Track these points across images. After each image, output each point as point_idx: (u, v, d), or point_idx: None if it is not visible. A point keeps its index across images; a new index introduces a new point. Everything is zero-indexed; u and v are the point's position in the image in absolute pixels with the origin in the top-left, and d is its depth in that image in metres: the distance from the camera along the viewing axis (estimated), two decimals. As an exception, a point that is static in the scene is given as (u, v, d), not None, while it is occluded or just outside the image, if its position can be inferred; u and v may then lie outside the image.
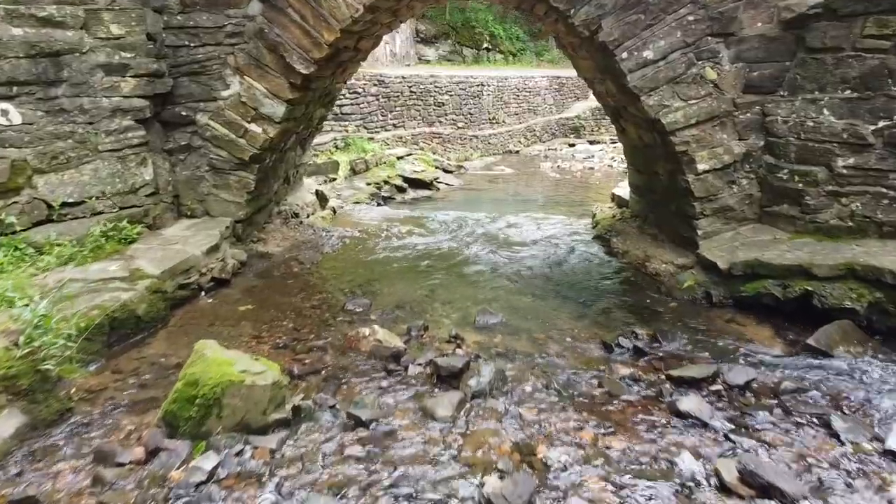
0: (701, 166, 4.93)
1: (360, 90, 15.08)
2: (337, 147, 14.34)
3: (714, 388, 3.22)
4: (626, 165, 6.92)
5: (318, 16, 5.04)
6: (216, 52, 5.28)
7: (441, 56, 26.73)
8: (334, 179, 13.86)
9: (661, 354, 3.71)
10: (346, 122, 14.75)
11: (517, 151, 20.16)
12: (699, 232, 5.01)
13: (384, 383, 3.28)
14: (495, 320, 4.24)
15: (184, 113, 5.37)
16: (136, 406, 3.03)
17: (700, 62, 4.87)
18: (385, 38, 24.55)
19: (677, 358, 3.65)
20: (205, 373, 2.72)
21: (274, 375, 2.80)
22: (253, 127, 5.34)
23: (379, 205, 13.33)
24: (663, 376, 3.37)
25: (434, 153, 16.88)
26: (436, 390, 3.18)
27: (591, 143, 22.72)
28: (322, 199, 7.63)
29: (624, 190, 7.13)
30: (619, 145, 22.79)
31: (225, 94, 5.33)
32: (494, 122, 19.80)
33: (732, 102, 4.90)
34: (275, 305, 4.50)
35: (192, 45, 5.27)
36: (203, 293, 4.68)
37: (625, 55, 4.90)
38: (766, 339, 3.92)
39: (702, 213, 5.00)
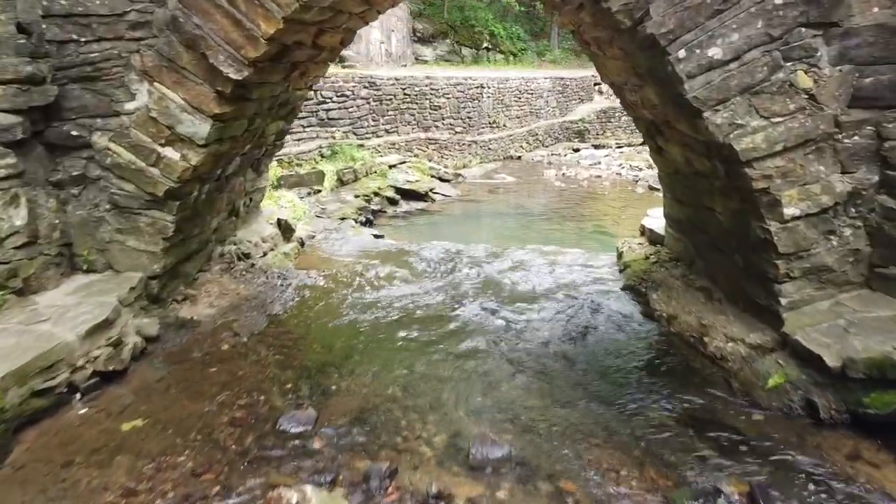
0: (788, 210, 3.43)
1: (348, 93, 13.56)
2: (322, 155, 12.84)
3: None
4: (660, 191, 5.42)
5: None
6: (116, 50, 3.77)
7: (439, 56, 25.18)
8: (319, 191, 12.35)
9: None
10: (334, 128, 13.24)
11: (519, 157, 18.64)
12: (783, 301, 3.51)
13: None
14: (500, 453, 2.74)
15: (75, 132, 3.86)
16: None
17: (789, 64, 3.36)
18: (380, 37, 23.02)
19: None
20: None
21: None
22: (168, 152, 3.83)
23: (368, 220, 11.85)
24: None
25: (430, 160, 15.37)
26: None
27: (597, 147, 21.21)
28: (286, 230, 6.12)
29: (656, 222, 5.62)
30: (626, 150, 21.25)
31: (130, 106, 3.83)
32: (494, 126, 18.28)
33: (834, 121, 3.39)
34: (177, 421, 3.00)
35: (82, 39, 3.76)
36: (79, 396, 3.18)
37: (682, 53, 3.40)
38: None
39: (787, 274, 3.50)
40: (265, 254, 5.45)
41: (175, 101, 3.74)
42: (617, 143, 21.84)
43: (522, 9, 29.56)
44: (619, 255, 5.52)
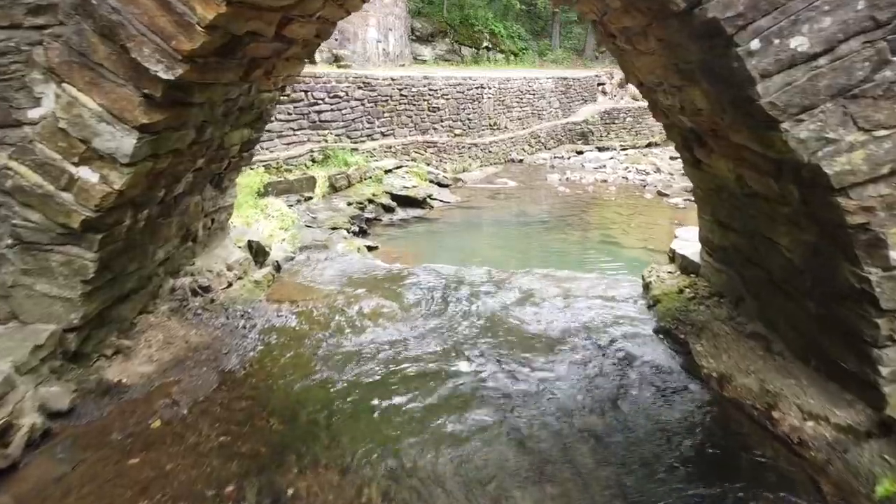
0: (895, 253, 2.55)
1: (342, 94, 12.66)
2: (314, 160, 11.94)
3: None
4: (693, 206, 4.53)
5: (185, -26, 2.66)
6: (13, 42, 2.88)
7: (438, 56, 24.27)
8: (310, 198, 11.46)
9: None
10: (326, 131, 12.34)
11: (521, 160, 17.75)
12: (884, 370, 2.63)
13: None
14: None
15: (-34, 147, 2.98)
16: None
17: (898, 58, 2.48)
18: (378, 36, 22.11)
19: None
20: None
21: None
22: (84, 172, 2.94)
23: (361, 230, 10.95)
24: None
25: (428, 164, 14.47)
26: None
27: (600, 149, 20.32)
28: (258, 253, 5.23)
29: (689, 246, 4.73)
30: (631, 153, 20.36)
31: (34, 114, 2.93)
32: (495, 128, 17.37)
33: (960, 134, 2.51)
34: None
35: (-31, 28, 2.88)
36: (-62, 511, 2.31)
37: (754, 44, 2.51)
38: None
39: (891, 336, 2.62)
40: (230, 284, 4.56)
41: (89, 108, 2.85)
42: (621, 145, 20.95)
43: (523, 7, 28.64)
44: (647, 286, 4.62)
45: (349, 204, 11.42)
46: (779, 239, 3.27)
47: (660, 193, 13.75)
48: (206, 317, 3.99)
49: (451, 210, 12.58)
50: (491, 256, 9.80)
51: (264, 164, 10.97)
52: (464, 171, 15.68)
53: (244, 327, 3.98)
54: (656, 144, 22.44)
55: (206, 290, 4.22)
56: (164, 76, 2.77)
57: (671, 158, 18.75)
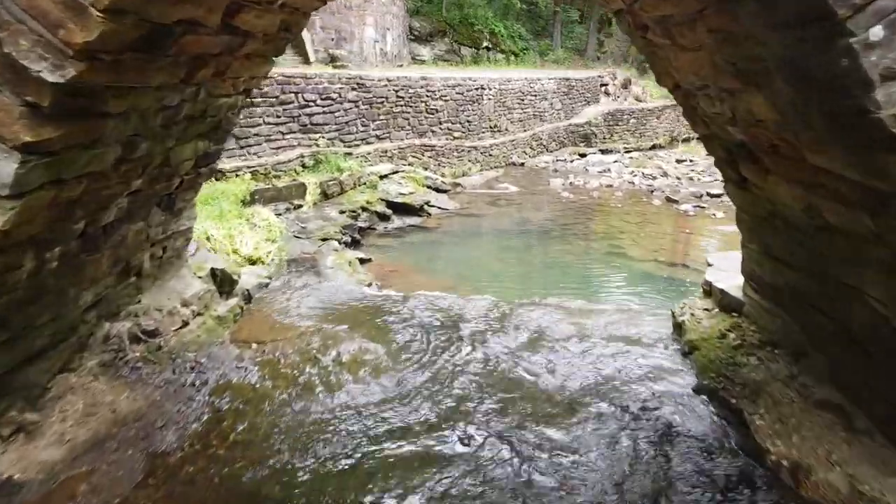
0: None
1: (334, 95, 11.88)
2: (304, 166, 11.17)
3: None
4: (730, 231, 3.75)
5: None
6: None
7: (437, 56, 23.48)
8: (300, 206, 10.69)
9: None
10: (317, 135, 11.56)
11: (522, 164, 16.97)
12: None
13: None
14: None
15: None
16: None
17: None
18: (375, 36, 21.29)
19: None
20: None
21: None
22: (-48, 207, 2.18)
23: (354, 240, 10.16)
24: None
25: (425, 169, 13.70)
26: None
27: (604, 152, 19.55)
28: (224, 282, 4.45)
29: (727, 278, 3.96)
30: (635, 156, 19.55)
31: None
32: (496, 130, 16.59)
33: None
34: None
35: None
36: None
37: (876, 33, 1.74)
38: None
39: None
40: (185, 324, 3.80)
41: (-48, 122, 2.08)
42: (625, 148, 20.18)
43: (524, 7, 27.83)
44: (679, 327, 3.85)
45: (341, 212, 10.65)
46: (865, 288, 2.51)
47: (668, 200, 12.98)
48: (147, 371, 3.22)
49: (450, 217, 11.81)
50: (492, 270, 9.05)
51: (251, 170, 10.20)
52: (463, 175, 14.91)
53: (193, 384, 3.21)
54: (660, 147, 21.67)
55: (152, 334, 3.45)
56: (50, 78, 2.01)
57: (677, 162, 17.99)
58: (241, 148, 10.31)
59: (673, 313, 3.97)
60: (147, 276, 3.68)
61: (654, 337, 3.87)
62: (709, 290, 4.00)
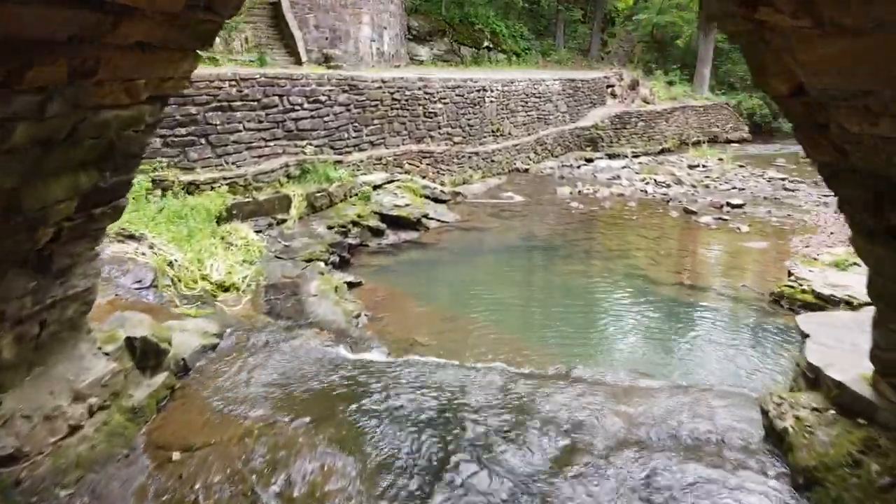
0: None
1: (323, 98, 10.70)
2: (289, 176, 9.99)
3: None
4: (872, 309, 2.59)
5: None
6: None
7: (436, 56, 22.29)
8: (283, 221, 9.52)
9: None
10: (304, 142, 10.39)
11: (526, 170, 15.79)
12: None
13: None
14: None
15: None
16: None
17: None
18: (371, 35, 20.05)
19: None
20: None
21: None
22: None
23: (343, 259, 8.99)
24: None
25: (423, 177, 12.53)
26: None
27: (611, 157, 18.39)
28: (147, 354, 3.26)
29: (841, 359, 2.79)
30: (644, 161, 18.32)
31: None
32: (498, 134, 15.41)
33: None
34: None
35: None
36: None
37: None
38: None
39: None
40: (73, 430, 2.63)
41: None
42: (633, 152, 19.01)
43: (525, 5, 26.64)
44: (777, 434, 2.67)
45: (330, 227, 9.48)
46: None
47: (686, 211, 11.81)
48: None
49: (450, 231, 10.64)
50: (496, 297, 7.88)
51: (229, 181, 9.02)
52: (464, 183, 13.74)
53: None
54: (669, 151, 20.50)
55: (8, 460, 2.28)
56: None
57: (690, 167, 16.82)
58: (219, 157, 9.14)
59: (764, 409, 2.79)
60: (9, 368, 2.50)
61: (739, 443, 2.71)
62: (814, 379, 2.82)
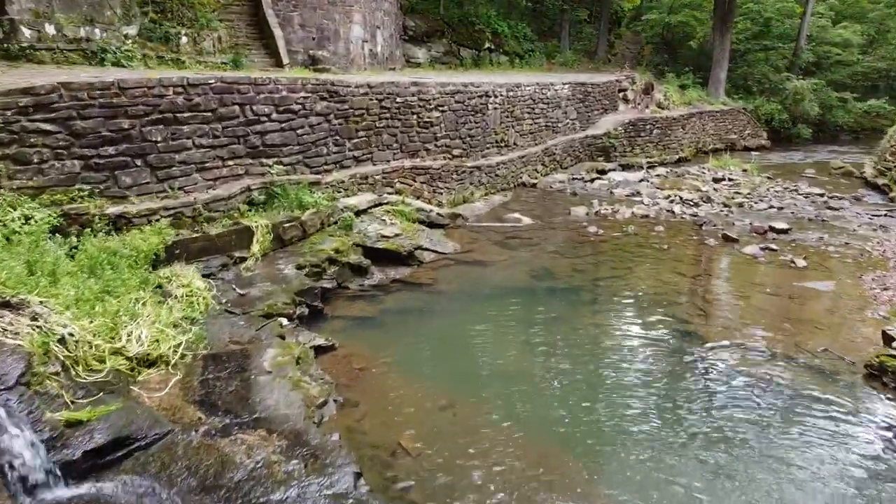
0: None
1: (296, 106, 8.75)
2: (252, 203, 8.03)
3: None
4: None
5: None
6: None
7: (434, 58, 20.33)
8: (242, 260, 7.55)
9: None
10: (272, 159, 8.44)
11: (533, 184, 13.85)
12: None
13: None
14: None
15: None
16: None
17: None
18: (363, 35, 17.95)
19: None
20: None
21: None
22: None
23: (314, 309, 7.00)
24: None
25: (417, 198, 10.59)
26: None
27: (624, 167, 16.45)
28: None
29: None
30: (662, 172, 16.20)
31: None
32: (503, 145, 13.47)
33: None
34: None
35: None
36: None
37: None
38: None
39: None
40: None
41: None
42: (648, 162, 17.07)
43: (529, 4, 24.67)
44: None
45: (300, 268, 7.52)
46: None
47: (726, 238, 9.86)
48: None
49: (448, 267, 8.70)
50: (506, 369, 5.91)
51: (172, 212, 7.08)
52: (464, 201, 11.80)
53: None
54: (686, 160, 18.55)
55: None
56: None
57: (715, 181, 14.86)
58: (160, 181, 7.19)
59: None
60: None
61: None
62: None
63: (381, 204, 9.60)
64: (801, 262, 8.66)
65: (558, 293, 7.88)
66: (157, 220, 6.93)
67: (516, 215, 11.20)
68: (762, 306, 7.37)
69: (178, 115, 7.30)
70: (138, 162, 7.00)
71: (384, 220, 9.24)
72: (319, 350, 6.22)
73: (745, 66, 24.13)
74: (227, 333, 6.08)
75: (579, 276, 8.39)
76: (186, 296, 6.49)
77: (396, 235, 8.80)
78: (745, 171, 16.23)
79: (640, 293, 7.80)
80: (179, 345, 5.61)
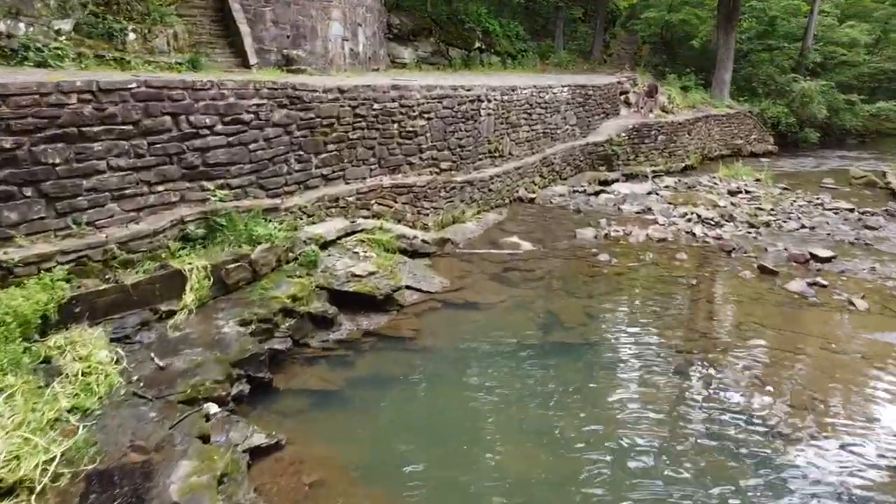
0: None
1: (248, 116, 6.99)
2: (186, 238, 6.28)
3: None
4: None
5: None
6: None
7: (421, 58, 18.59)
8: (171, 315, 5.81)
9: None
10: (214, 181, 6.70)
11: (531, 199, 12.18)
12: None
13: None
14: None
15: None
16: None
17: None
18: (343, 33, 15.92)
19: None
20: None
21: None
22: None
23: (256, 383, 5.22)
24: None
25: (399, 220, 8.89)
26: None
27: (628, 177, 14.84)
28: None
29: None
30: (669, 183, 14.26)
31: None
32: (497, 155, 11.78)
33: None
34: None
35: None
36: None
37: None
38: None
39: None
40: None
41: None
42: (653, 170, 15.46)
43: (521, 1, 22.99)
44: None
45: (244, 323, 5.78)
46: None
47: (763, 270, 8.22)
48: None
49: (434, 311, 7.01)
50: (508, 475, 4.24)
51: (74, 257, 5.32)
52: (454, 222, 10.11)
53: None
54: (692, 168, 16.95)
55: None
56: None
57: (730, 194, 13.25)
58: (59, 215, 5.44)
59: None
60: None
61: None
62: None
63: (354, 232, 7.88)
64: (861, 304, 7.05)
65: (573, 352, 6.19)
66: (53, 268, 5.18)
67: (514, 239, 9.52)
68: (837, 373, 5.72)
69: (84, 129, 5.54)
70: (27, 192, 5.24)
71: (357, 252, 7.52)
72: (258, 453, 4.51)
73: (749, 67, 22.61)
74: (130, 433, 4.36)
75: (594, 326, 6.72)
76: (83, 373, 4.76)
77: (371, 274, 7.08)
78: (758, 180, 14.68)
79: (672, 350, 6.14)
80: (52, 459, 3.90)
